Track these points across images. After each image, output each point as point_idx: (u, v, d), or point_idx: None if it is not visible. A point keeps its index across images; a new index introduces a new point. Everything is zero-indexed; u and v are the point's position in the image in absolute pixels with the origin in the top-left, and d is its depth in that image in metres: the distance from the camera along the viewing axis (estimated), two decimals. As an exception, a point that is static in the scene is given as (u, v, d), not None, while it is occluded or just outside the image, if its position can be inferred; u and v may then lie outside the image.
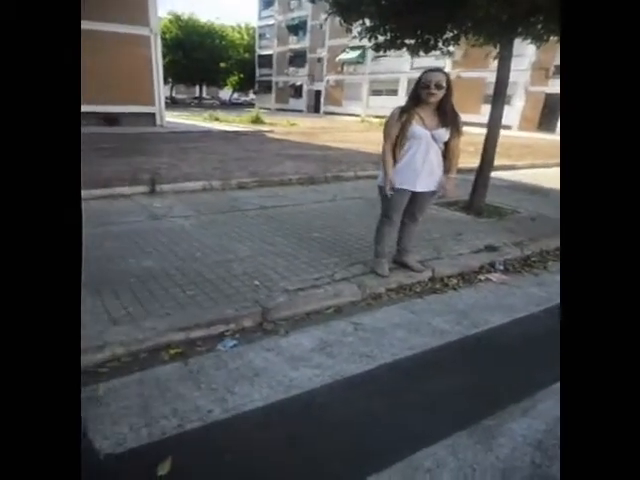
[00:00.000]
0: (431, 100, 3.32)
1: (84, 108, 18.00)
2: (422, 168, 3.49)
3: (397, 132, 3.45)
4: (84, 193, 6.36)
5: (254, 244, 4.56)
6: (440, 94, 3.30)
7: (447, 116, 3.41)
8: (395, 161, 3.52)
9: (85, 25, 16.78)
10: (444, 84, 3.27)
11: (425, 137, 3.40)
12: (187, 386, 2.46)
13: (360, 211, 6.02)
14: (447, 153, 3.57)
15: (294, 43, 47.30)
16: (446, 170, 3.61)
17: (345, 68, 41.45)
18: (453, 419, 2.29)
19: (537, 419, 2.31)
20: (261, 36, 52.17)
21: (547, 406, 2.41)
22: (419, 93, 3.35)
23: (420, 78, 3.33)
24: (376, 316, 3.35)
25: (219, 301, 3.29)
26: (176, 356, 2.74)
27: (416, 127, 3.39)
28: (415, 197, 3.68)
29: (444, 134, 3.42)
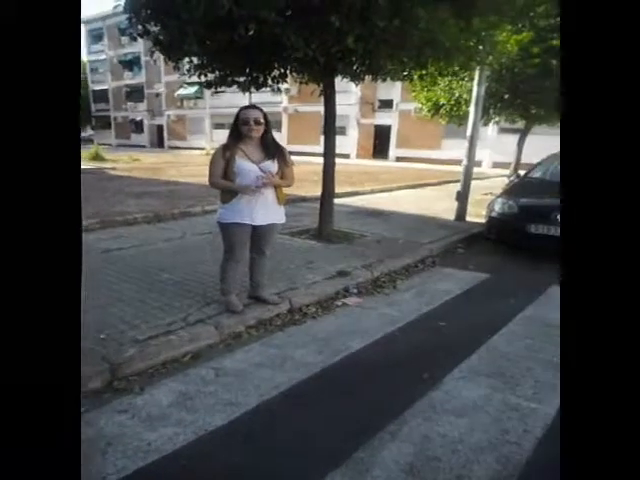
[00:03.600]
0: (253, 135, 3.42)
1: None
2: (256, 201, 3.50)
3: (223, 168, 3.47)
4: None
5: (97, 292, 4.13)
6: (260, 129, 3.42)
7: (270, 149, 3.52)
8: (228, 198, 3.52)
9: None
10: (262, 120, 3.41)
11: (253, 171, 3.44)
12: (20, 473, 2.08)
13: (211, 247, 5.83)
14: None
15: (130, 78, 45.55)
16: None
17: (185, 103, 40.96)
18: (324, 458, 2.23)
19: (405, 442, 2.34)
20: (93, 70, 49.26)
21: (413, 426, 2.47)
22: (240, 129, 3.42)
23: (238, 115, 3.43)
24: (237, 357, 3.21)
25: (57, 364, 2.89)
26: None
27: (241, 162, 3.43)
28: (257, 231, 3.67)
29: (271, 166, 3.50)
